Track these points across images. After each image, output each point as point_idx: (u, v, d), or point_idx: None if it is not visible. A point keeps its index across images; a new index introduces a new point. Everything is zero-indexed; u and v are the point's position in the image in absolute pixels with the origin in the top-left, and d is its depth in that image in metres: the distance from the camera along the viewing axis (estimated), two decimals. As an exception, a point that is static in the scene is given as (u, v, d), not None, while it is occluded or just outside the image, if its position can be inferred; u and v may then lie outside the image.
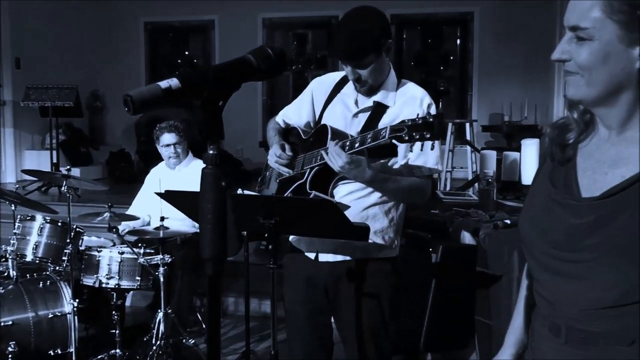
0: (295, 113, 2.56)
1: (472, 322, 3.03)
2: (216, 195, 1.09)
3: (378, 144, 2.00)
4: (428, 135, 1.84)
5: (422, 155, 2.28)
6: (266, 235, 2.04)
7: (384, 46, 2.29)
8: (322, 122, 2.40)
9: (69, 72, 8.13)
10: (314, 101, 2.49)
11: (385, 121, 2.30)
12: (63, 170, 3.91)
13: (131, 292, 4.91)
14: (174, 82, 1.06)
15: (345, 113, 2.39)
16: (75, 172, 7.72)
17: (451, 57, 8.94)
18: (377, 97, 2.37)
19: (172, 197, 2.04)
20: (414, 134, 1.86)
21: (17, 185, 6.04)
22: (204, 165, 1.13)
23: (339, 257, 2.39)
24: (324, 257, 2.41)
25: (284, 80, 9.03)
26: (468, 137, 7.42)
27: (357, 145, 2.08)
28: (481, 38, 8.46)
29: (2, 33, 7.85)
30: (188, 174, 4.34)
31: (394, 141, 1.94)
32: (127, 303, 5.20)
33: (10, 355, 3.60)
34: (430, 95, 2.38)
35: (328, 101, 2.43)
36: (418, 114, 1.92)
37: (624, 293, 1.21)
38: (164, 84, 1.06)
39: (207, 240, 1.08)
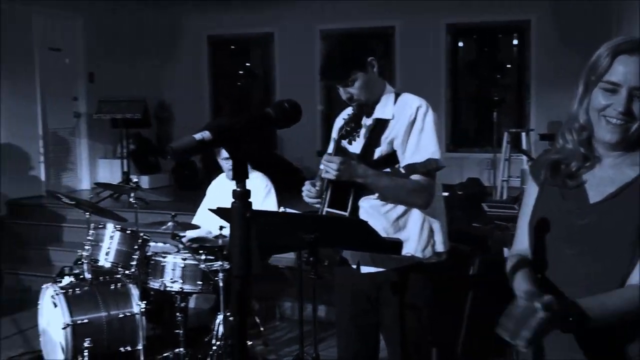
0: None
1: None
2: (242, 225, 1.33)
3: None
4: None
5: (417, 152, 2.45)
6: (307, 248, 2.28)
7: (368, 63, 2.48)
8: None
9: (138, 84, 8.58)
10: (333, 135, 2.70)
11: (387, 135, 2.49)
12: (134, 178, 4.27)
13: (195, 295, 5.24)
14: (206, 134, 1.30)
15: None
16: (144, 179, 8.23)
17: (507, 65, 8.96)
18: (376, 114, 2.55)
19: (223, 213, 2.29)
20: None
21: (92, 195, 6.48)
22: (233, 200, 1.37)
23: (379, 269, 2.60)
24: (366, 269, 2.61)
25: (342, 90, 9.24)
26: (524, 146, 7.46)
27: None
28: (539, 45, 8.46)
29: (78, 50, 8.38)
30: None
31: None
32: (192, 305, 5.53)
33: (85, 351, 3.95)
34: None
35: (339, 132, 2.58)
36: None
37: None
38: (198, 136, 1.30)
39: (235, 261, 1.33)
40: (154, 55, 9.22)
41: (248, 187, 4.43)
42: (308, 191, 2.54)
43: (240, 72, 10.16)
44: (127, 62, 8.62)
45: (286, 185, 4.60)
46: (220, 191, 4.35)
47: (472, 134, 9.11)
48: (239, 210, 1.34)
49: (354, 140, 2.47)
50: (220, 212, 2.23)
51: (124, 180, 7.47)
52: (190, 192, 6.87)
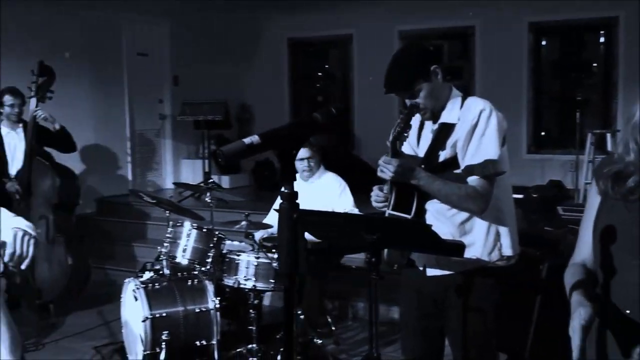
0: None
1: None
2: (289, 226, 1.38)
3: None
4: None
5: (476, 154, 2.42)
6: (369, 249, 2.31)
7: (432, 72, 2.48)
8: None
9: (220, 87, 8.84)
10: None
11: (452, 138, 2.48)
12: (214, 178, 4.43)
13: (270, 293, 5.36)
14: (255, 138, 1.36)
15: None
16: (225, 179, 8.47)
17: (593, 64, 8.64)
18: (442, 119, 2.55)
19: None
20: None
21: (172, 195, 6.75)
22: (281, 201, 1.43)
23: (445, 271, 2.59)
24: (431, 272, 2.61)
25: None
26: (609, 148, 7.19)
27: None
28: (627, 42, 8.12)
29: (163, 54, 8.73)
30: (320, 187, 4.64)
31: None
32: (266, 303, 5.67)
33: (163, 343, 4.13)
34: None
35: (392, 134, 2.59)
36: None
37: None
38: (247, 140, 1.36)
39: (283, 260, 1.39)
40: (236, 58, 9.46)
41: (322, 187, 4.48)
42: (376, 196, 2.57)
43: (319, 73, 10.27)
44: (210, 65, 8.89)
45: (362, 185, 4.65)
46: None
47: (555, 135, 8.84)
48: (287, 211, 1.39)
49: (404, 140, 2.48)
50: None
51: (204, 180, 7.72)
52: (268, 193, 7.01)
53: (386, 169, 2.39)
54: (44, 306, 5.34)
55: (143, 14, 8.23)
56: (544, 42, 8.75)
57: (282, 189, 1.42)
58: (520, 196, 4.62)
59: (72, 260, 5.31)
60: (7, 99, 5.50)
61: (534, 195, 4.85)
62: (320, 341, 4.30)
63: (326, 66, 10.26)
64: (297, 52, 10.01)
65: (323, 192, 4.58)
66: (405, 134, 2.42)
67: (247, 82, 9.75)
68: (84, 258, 5.51)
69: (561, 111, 8.75)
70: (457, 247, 2.30)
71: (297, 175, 4.85)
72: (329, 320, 4.93)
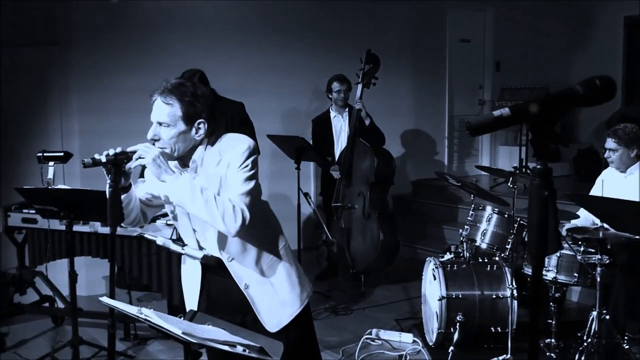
0: None
1: None
2: (539, 203, 1.30)
3: None
4: None
5: None
6: None
7: None
8: None
9: (541, 72, 8.49)
10: None
11: None
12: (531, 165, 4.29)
13: (579, 289, 5.04)
14: (505, 111, 1.30)
15: None
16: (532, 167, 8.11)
17: None
18: None
19: (580, 199, 2.20)
20: None
21: (475, 180, 6.71)
22: (533, 178, 1.34)
23: None
24: None
25: None
26: None
27: None
28: None
29: (486, 40, 8.69)
30: (637, 178, 4.22)
31: None
32: (574, 299, 5.34)
33: (457, 323, 4.19)
34: None
35: None
36: None
37: None
38: (497, 113, 1.31)
39: (532, 239, 1.31)
40: (561, 41, 8.96)
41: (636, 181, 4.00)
42: None
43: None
44: (533, 50, 8.59)
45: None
46: (602, 181, 4.10)
47: None
48: (537, 188, 1.31)
49: None
50: (575, 197, 2.15)
51: (516, 167, 7.49)
52: (589, 184, 6.52)
53: None
54: (356, 276, 5.80)
55: (468, 0, 8.29)
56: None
57: (535, 165, 1.35)
58: None
59: (383, 236, 5.65)
60: (335, 85, 6.05)
61: None
62: (627, 347, 3.90)
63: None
64: (633, 31, 9.06)
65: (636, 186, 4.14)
66: None
67: (572, 66, 9.16)
68: (394, 234, 5.81)
69: None
70: None
71: (613, 166, 4.45)
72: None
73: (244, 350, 1.98)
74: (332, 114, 6.17)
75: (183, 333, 1.87)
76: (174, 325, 1.94)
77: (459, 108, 8.58)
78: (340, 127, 6.15)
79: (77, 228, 4.09)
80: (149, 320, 1.98)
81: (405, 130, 7.91)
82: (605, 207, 2.88)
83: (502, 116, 1.32)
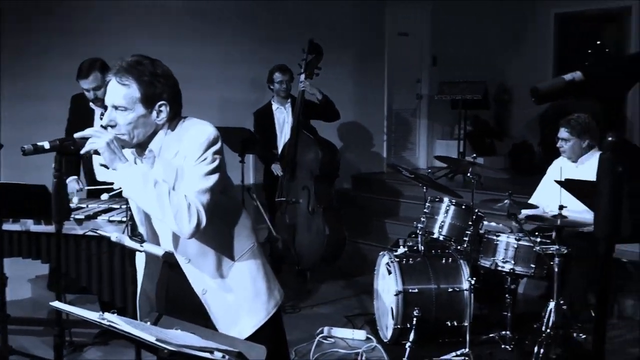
0: None
1: None
2: (612, 179, 1.14)
3: None
4: None
5: None
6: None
7: None
8: None
9: (478, 67, 8.54)
10: None
11: None
12: (469, 158, 4.27)
13: (524, 281, 5.04)
14: (577, 75, 1.15)
15: None
16: (479, 161, 8.16)
17: None
18: None
19: (571, 185, 2.10)
20: None
21: (429, 171, 6.68)
22: (602, 152, 1.20)
23: None
24: None
25: None
26: None
27: None
28: None
29: (424, 34, 8.68)
30: (588, 168, 4.24)
31: None
32: (520, 291, 5.35)
33: (414, 319, 4.08)
34: None
35: None
36: None
37: None
38: (568, 76, 1.16)
39: (600, 219, 1.15)
40: (495, 36, 9.07)
41: (591, 169, 4.03)
42: None
43: (589, 50, 9.41)
44: (469, 46, 8.64)
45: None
46: (561, 168, 4.09)
47: None
48: (609, 162, 1.15)
49: None
50: (568, 184, 2.04)
51: (475, 156, 7.52)
52: (525, 178, 6.60)
53: None
54: (301, 272, 5.62)
55: (406, -6, 8.26)
56: None
57: (607, 137, 1.19)
58: None
59: (329, 231, 5.49)
60: (277, 75, 5.84)
61: None
62: (583, 336, 3.90)
63: (598, 42, 9.37)
64: (565, 28, 9.27)
65: (590, 174, 4.15)
66: None
67: (507, 62, 9.29)
68: (340, 230, 5.67)
69: None
70: None
71: (564, 155, 4.47)
72: (592, 315, 4.50)
73: (223, 357, 1.77)
74: (275, 105, 5.96)
75: (157, 340, 1.64)
76: (144, 331, 1.71)
77: (397, 102, 8.53)
78: (283, 119, 5.95)
79: (6, 227, 3.73)
80: (114, 327, 1.74)
81: (344, 123, 7.77)
82: (588, 191, 2.81)
83: (574, 80, 1.16)
